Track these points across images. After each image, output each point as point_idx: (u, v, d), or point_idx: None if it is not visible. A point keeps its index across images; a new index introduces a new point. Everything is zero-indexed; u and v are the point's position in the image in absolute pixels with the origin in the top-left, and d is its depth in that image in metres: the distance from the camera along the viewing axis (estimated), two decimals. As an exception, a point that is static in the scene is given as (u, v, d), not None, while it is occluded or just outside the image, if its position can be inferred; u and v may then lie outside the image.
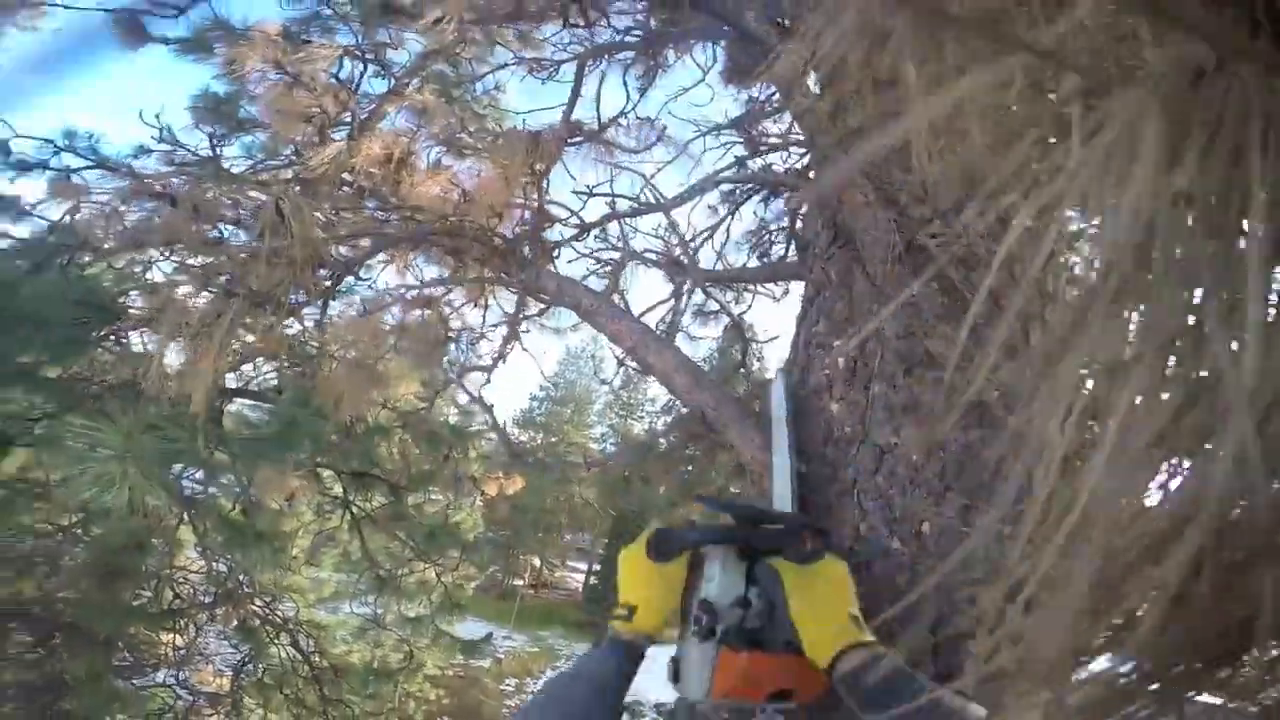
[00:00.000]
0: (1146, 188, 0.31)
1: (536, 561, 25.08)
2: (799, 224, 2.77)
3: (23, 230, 3.11)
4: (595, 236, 2.79)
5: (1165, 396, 0.31)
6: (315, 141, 2.67)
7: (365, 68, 3.15)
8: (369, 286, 2.60)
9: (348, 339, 2.29)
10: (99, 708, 4.43)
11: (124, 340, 2.34)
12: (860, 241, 1.41)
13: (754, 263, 2.98)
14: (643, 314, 2.48)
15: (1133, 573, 0.33)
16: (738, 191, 2.97)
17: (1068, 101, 0.40)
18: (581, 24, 2.77)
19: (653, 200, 2.65)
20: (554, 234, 2.71)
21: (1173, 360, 0.31)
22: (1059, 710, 0.32)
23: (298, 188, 2.07)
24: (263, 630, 5.54)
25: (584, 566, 24.69)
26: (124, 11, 3.23)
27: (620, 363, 3.46)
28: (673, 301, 2.85)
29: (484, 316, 2.97)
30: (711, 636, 0.99)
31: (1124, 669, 0.32)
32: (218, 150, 3.00)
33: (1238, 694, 0.30)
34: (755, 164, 2.85)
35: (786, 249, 2.86)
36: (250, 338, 1.91)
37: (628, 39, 2.83)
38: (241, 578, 5.56)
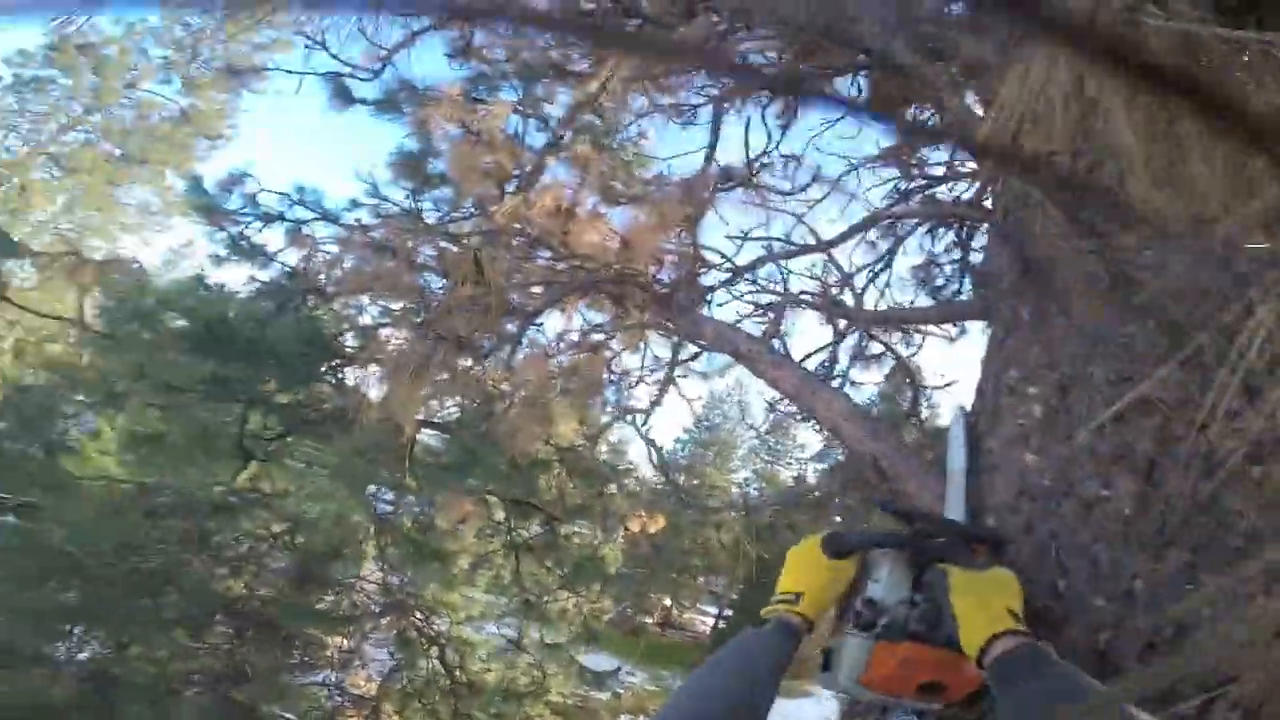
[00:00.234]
0: None
1: (668, 601, 24.87)
2: (975, 252, 2.60)
3: (266, 275, 3.74)
4: (749, 280, 2.81)
5: None
6: (494, 194, 2.97)
7: (527, 122, 3.46)
8: (539, 330, 2.83)
9: (522, 379, 2.49)
10: (267, 700, 4.93)
11: (340, 375, 2.73)
12: (1057, 277, 1.32)
13: (923, 301, 2.84)
14: (802, 360, 2.44)
15: None
16: (900, 226, 2.86)
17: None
18: (723, 72, 2.85)
19: (809, 241, 2.64)
20: (709, 279, 2.77)
21: None
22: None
23: (485, 239, 2.32)
24: (418, 642, 5.97)
25: (714, 610, 24.09)
26: (332, 74, 3.80)
27: (771, 408, 3.42)
28: (832, 346, 2.77)
29: (642, 360, 3.10)
30: (871, 629, 1.02)
31: None
32: (416, 203, 3.41)
33: None
34: (917, 196, 2.75)
35: (960, 285, 2.69)
36: (444, 376, 2.14)
37: (760, 77, 2.84)
38: (409, 590, 6.06)
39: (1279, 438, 1.12)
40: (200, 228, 4.17)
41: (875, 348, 3.00)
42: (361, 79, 3.79)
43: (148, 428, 3.86)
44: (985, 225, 2.19)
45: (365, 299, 3.00)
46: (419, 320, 1.98)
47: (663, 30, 2.13)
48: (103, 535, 3.91)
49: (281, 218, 4.15)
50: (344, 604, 5.80)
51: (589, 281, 2.21)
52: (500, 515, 4.89)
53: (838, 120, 3.10)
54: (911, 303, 2.87)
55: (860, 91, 2.96)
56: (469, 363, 1.94)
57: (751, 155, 2.95)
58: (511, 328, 2.01)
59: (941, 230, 2.75)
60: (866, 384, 3.11)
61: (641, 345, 3.00)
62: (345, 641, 5.98)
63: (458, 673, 6.03)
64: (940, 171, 2.83)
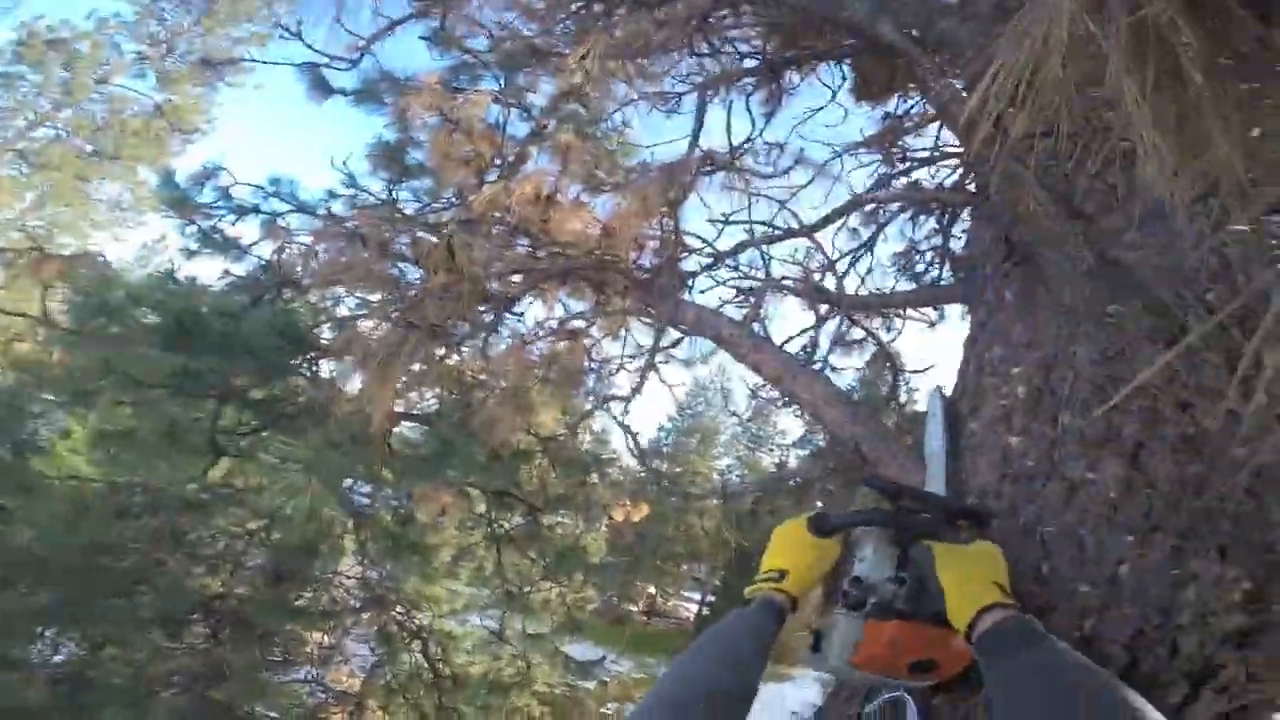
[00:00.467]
0: None
1: (652, 589, 25.03)
2: (955, 239, 2.61)
3: (240, 268, 3.66)
4: (730, 265, 2.79)
5: None
6: (474, 184, 2.92)
7: (509, 111, 3.40)
8: (518, 319, 2.79)
9: (501, 369, 2.44)
10: (247, 698, 4.88)
11: (315, 368, 2.67)
12: (1041, 258, 1.30)
13: (904, 286, 2.84)
14: (783, 344, 2.43)
15: None
16: (882, 212, 2.85)
17: None
18: (706, 51, 2.81)
19: (793, 227, 2.62)
20: (690, 264, 2.75)
21: None
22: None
23: (461, 228, 2.27)
24: (399, 636, 5.94)
25: (697, 597, 24.31)
26: (309, 65, 3.71)
27: (753, 394, 3.41)
28: (813, 330, 2.77)
29: (623, 348, 3.08)
30: (860, 608, 1.02)
31: None
32: (393, 194, 3.35)
33: None
34: (900, 182, 2.73)
35: (940, 270, 2.69)
36: (418, 366, 2.10)
37: (746, 65, 2.82)
38: (389, 585, 6.02)
39: (1264, 419, 1.12)
40: (172, 222, 4.08)
41: (856, 333, 3.01)
42: (339, 69, 3.73)
43: (117, 424, 3.77)
44: (967, 209, 2.18)
45: (341, 291, 2.93)
46: (394, 310, 1.93)
47: (645, 7, 2.08)
48: (74, 535, 3.82)
49: (256, 210, 4.08)
50: (323, 600, 5.74)
51: (568, 268, 2.17)
52: (481, 507, 4.86)
53: (820, 109, 3.08)
54: (893, 288, 2.87)
55: (845, 79, 2.95)
56: (443, 351, 1.89)
57: (735, 143, 2.92)
58: (488, 316, 1.97)
59: (923, 217, 2.75)
60: (847, 369, 3.13)
61: (623, 332, 2.97)
62: (325, 637, 5.93)
63: (441, 666, 6.03)
64: (924, 155, 2.82)
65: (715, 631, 1.02)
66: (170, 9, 12.03)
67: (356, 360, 1.78)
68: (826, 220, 2.48)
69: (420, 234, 2.68)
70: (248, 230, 4.15)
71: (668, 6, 2.15)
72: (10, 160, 12.27)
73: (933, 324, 2.89)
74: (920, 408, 2.53)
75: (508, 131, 3.34)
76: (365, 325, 2.03)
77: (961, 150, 2.06)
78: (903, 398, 2.97)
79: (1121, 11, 0.55)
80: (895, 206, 2.78)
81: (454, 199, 3.15)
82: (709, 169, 3.06)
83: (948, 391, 1.47)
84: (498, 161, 3.21)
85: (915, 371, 3.02)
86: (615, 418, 2.96)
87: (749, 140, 3.02)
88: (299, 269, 2.68)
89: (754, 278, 2.75)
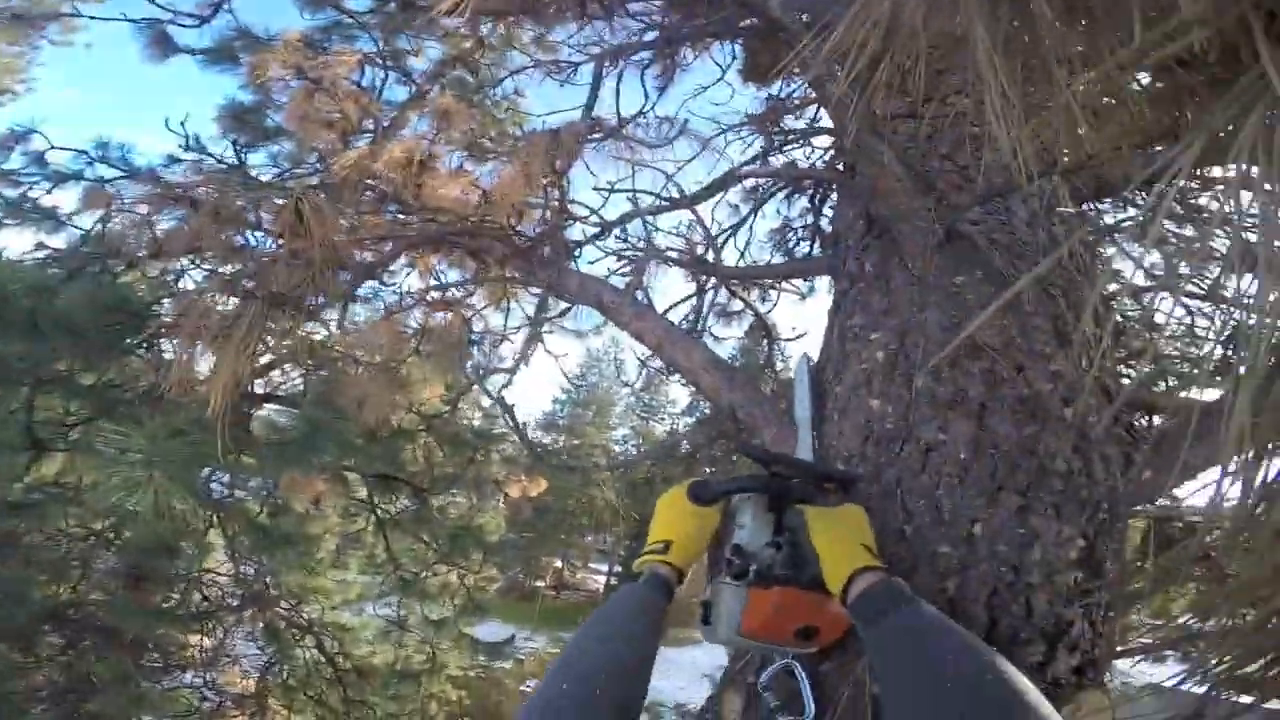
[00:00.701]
0: None
1: (558, 563, 25.15)
2: (825, 219, 2.72)
3: (59, 240, 3.19)
4: (617, 235, 2.76)
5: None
6: (339, 148, 2.68)
7: (387, 75, 3.18)
8: (392, 290, 2.62)
9: (370, 343, 2.28)
10: (126, 709, 4.50)
11: (156, 347, 2.37)
12: (897, 231, 1.36)
13: (778, 260, 2.94)
14: (665, 311, 2.45)
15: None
16: (760, 189, 2.92)
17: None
18: (600, 16, 2.75)
19: (675, 196, 2.62)
20: (575, 233, 2.70)
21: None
22: None
23: (320, 193, 2.07)
24: (288, 633, 5.61)
25: (605, 568, 24.74)
26: (149, 21, 3.28)
27: (643, 364, 3.42)
28: (695, 300, 2.82)
29: (506, 319, 2.97)
30: (743, 577, 1.03)
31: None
32: (244, 158, 3.03)
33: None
34: (778, 160, 2.81)
35: (811, 246, 2.81)
36: (271, 341, 1.91)
37: (644, 39, 2.81)
38: (268, 580, 5.63)
39: (1083, 380, 1.22)
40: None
41: (736, 305, 3.10)
42: (186, 25, 3.30)
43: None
44: (836, 187, 2.26)
45: (187, 262, 2.61)
46: (243, 282, 1.74)
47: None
48: None
49: (80, 178, 3.58)
50: (193, 600, 5.29)
51: (441, 234, 2.04)
52: (363, 492, 4.60)
53: (708, 87, 3.11)
54: (769, 262, 2.97)
55: (735, 58, 2.98)
56: (292, 324, 1.73)
57: (627, 115, 2.88)
58: (348, 285, 1.81)
59: (797, 195, 2.85)
60: (729, 339, 3.25)
61: (506, 303, 2.86)
62: (205, 639, 5.48)
63: (340, 659, 5.76)
64: (802, 130, 2.92)
65: (604, 614, 1.00)
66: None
67: (190, 334, 1.58)
68: (709, 191, 2.50)
69: (278, 200, 2.43)
70: (68, 199, 3.68)
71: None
72: None
73: (804, 295, 3.03)
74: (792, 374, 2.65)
75: (384, 96, 3.13)
76: (206, 299, 1.81)
77: (833, 129, 2.13)
78: (778, 365, 3.10)
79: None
80: (772, 184, 2.86)
81: (318, 165, 2.90)
82: (597, 136, 3.00)
83: (814, 359, 1.51)
84: (370, 126, 2.99)
85: (790, 339, 3.16)
86: (490, 393, 2.87)
87: (641, 113, 2.99)
88: (129, 240, 2.35)
89: (638, 248, 2.73)
